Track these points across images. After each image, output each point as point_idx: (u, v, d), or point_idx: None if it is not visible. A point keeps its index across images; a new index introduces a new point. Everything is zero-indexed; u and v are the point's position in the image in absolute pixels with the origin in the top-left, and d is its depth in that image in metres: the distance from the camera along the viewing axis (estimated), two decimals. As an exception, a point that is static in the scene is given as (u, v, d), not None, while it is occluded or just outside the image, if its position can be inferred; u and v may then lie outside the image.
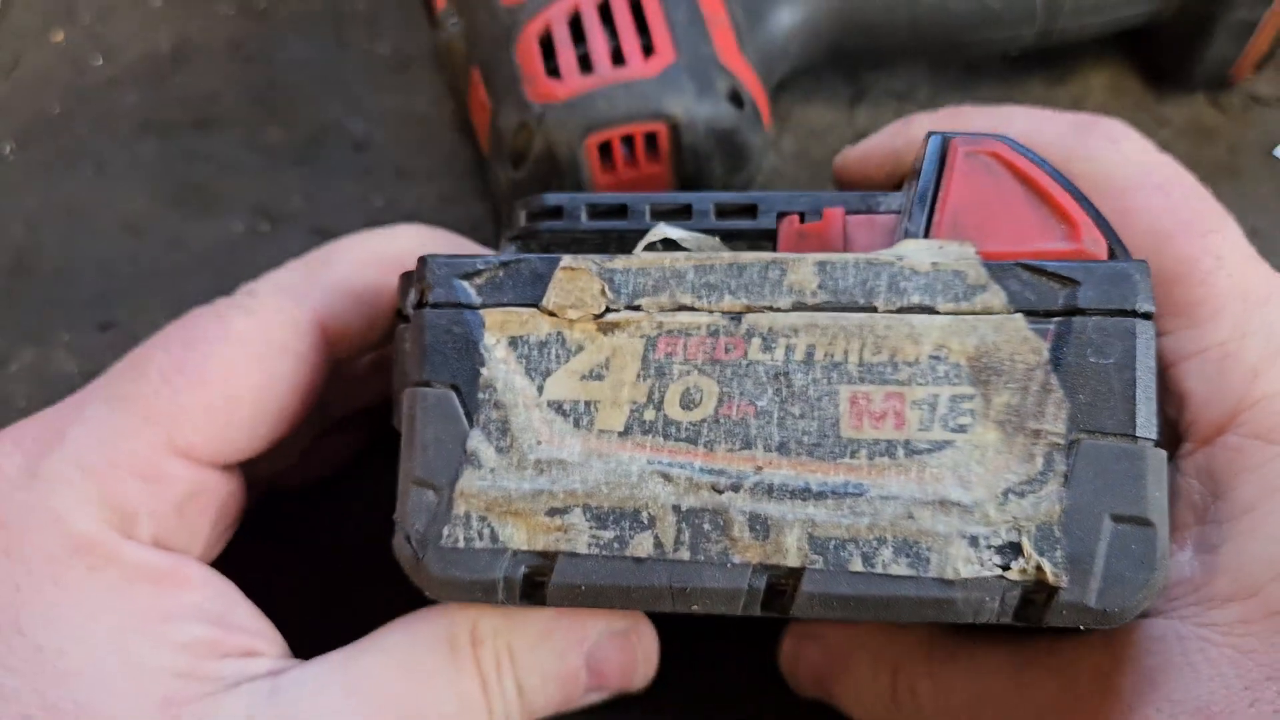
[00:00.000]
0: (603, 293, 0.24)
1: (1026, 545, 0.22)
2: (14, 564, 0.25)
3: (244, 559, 0.30)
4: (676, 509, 0.23)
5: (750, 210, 0.28)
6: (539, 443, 0.23)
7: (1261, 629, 0.22)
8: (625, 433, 0.23)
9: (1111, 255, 0.24)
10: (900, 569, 0.22)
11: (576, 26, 0.36)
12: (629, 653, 0.29)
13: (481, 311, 0.24)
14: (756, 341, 0.23)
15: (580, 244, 0.29)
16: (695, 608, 0.23)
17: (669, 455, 0.23)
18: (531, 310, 0.24)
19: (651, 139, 0.35)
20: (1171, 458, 0.26)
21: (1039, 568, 0.22)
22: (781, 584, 0.23)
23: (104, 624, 0.25)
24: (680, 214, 0.28)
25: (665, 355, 0.24)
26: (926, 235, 0.25)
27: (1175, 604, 0.24)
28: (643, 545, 0.23)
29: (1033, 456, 0.22)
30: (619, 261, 0.24)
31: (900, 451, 0.23)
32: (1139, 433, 0.22)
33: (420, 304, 0.25)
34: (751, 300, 0.24)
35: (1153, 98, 0.42)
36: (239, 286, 0.31)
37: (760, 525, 0.23)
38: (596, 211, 0.29)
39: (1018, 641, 0.26)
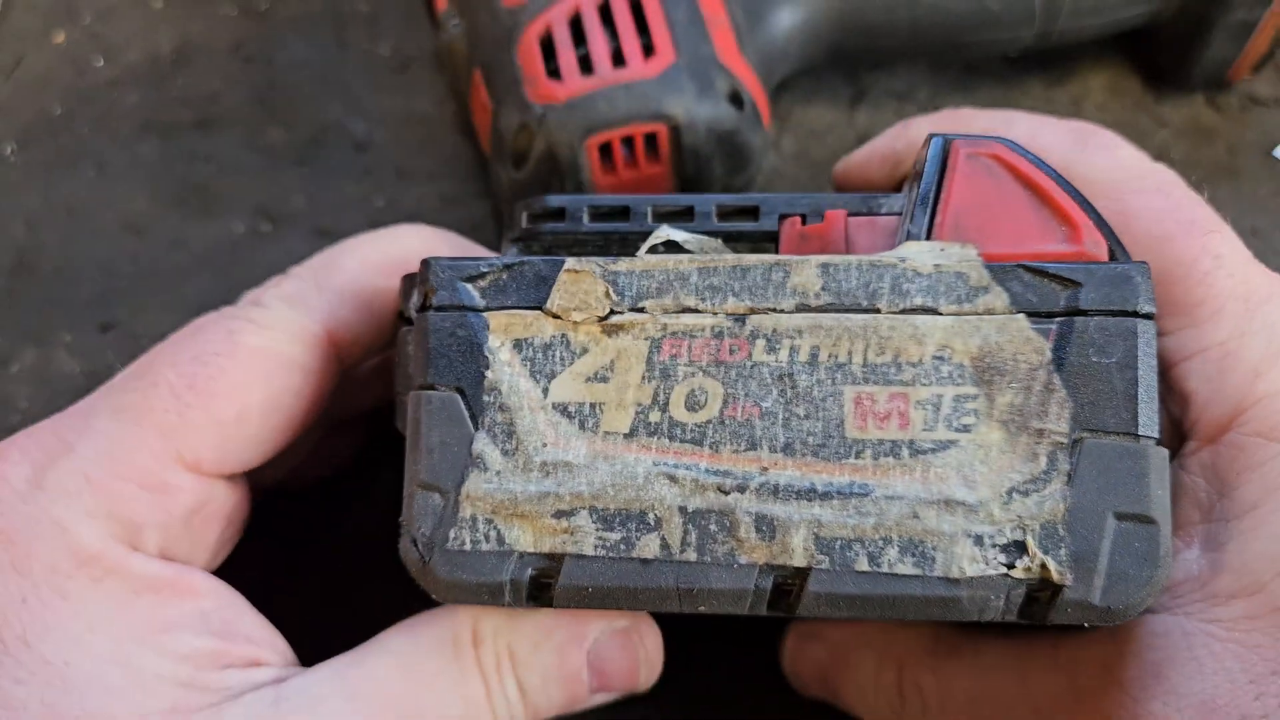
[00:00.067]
0: (607, 295, 0.24)
1: (1031, 544, 0.22)
2: (21, 577, 0.25)
3: (244, 560, 0.30)
4: (683, 510, 0.23)
5: (752, 212, 0.28)
6: (545, 445, 0.24)
7: (1266, 624, 0.22)
8: (631, 434, 0.23)
9: (1112, 257, 0.24)
10: (906, 568, 0.22)
11: (577, 27, 0.36)
12: (631, 652, 0.29)
13: (485, 314, 0.24)
14: (761, 343, 0.23)
15: (582, 246, 0.29)
16: (702, 608, 0.23)
17: (675, 457, 0.23)
18: (536, 313, 0.24)
19: (652, 140, 0.35)
20: (1175, 456, 0.26)
21: (1044, 566, 0.22)
22: (788, 584, 0.23)
23: (108, 635, 0.25)
24: (682, 216, 0.29)
25: (670, 357, 0.24)
26: (928, 237, 0.25)
27: (1180, 600, 0.24)
28: (649, 546, 0.23)
29: (1036, 456, 0.22)
30: (623, 264, 0.24)
31: (905, 451, 0.23)
32: (1141, 431, 0.22)
33: (424, 307, 0.25)
34: (755, 302, 0.24)
35: (1151, 98, 0.42)
36: (241, 288, 0.31)
37: (766, 526, 0.23)
38: (598, 213, 0.29)
39: (1022, 638, 0.26)
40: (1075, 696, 0.25)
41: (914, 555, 0.22)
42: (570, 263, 0.24)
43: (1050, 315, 0.23)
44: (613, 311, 0.24)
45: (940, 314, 0.23)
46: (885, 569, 0.22)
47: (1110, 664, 0.24)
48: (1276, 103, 0.42)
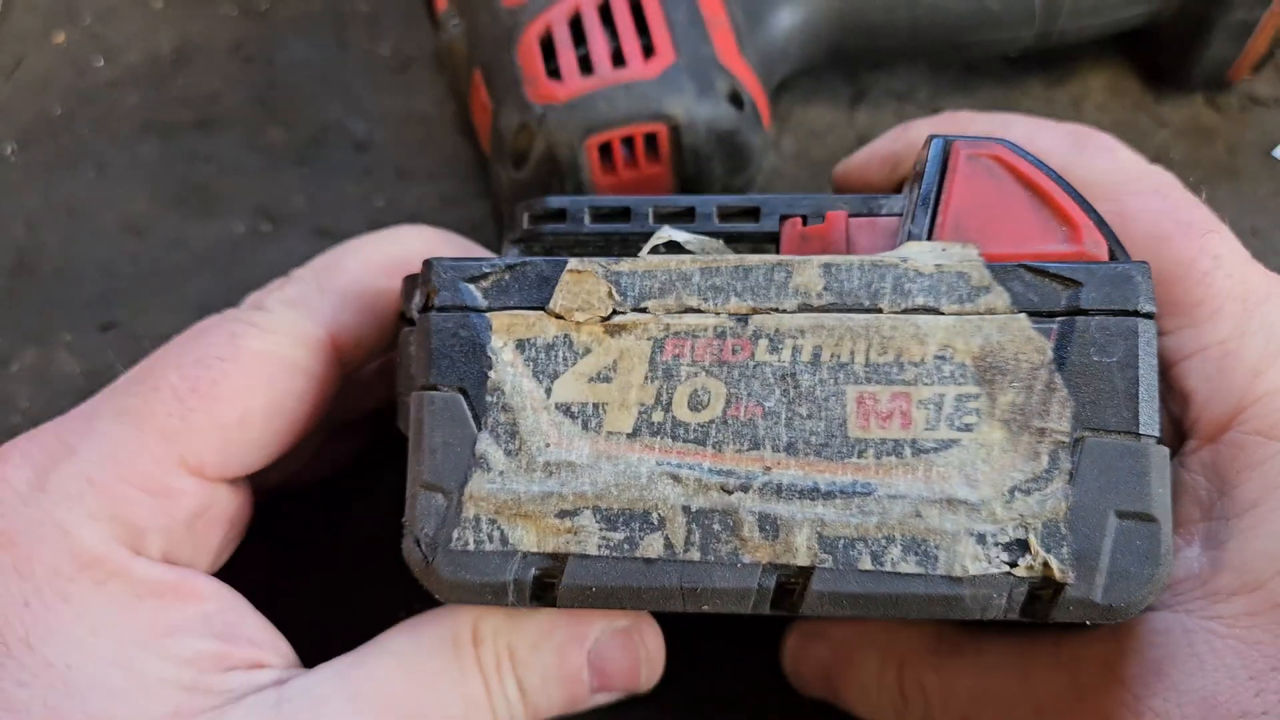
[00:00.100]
0: (610, 295, 0.24)
1: (1033, 542, 0.22)
2: (23, 580, 0.25)
3: (246, 561, 0.30)
4: (686, 510, 0.23)
5: (753, 213, 0.28)
6: (548, 445, 0.24)
7: (1266, 621, 0.23)
8: (634, 434, 0.23)
9: (1112, 257, 0.25)
10: (909, 567, 0.22)
11: (577, 28, 0.36)
12: (632, 652, 0.29)
13: (488, 314, 0.24)
14: (763, 343, 0.24)
15: (583, 247, 0.29)
16: (705, 608, 0.23)
17: (678, 456, 0.23)
18: (538, 313, 0.24)
19: (652, 140, 0.35)
20: (1176, 455, 0.26)
21: (1046, 564, 0.22)
22: (791, 583, 0.23)
23: (111, 639, 0.25)
24: (683, 217, 0.29)
25: (673, 357, 0.24)
26: (929, 237, 0.25)
27: (1181, 598, 0.24)
28: (653, 546, 0.23)
29: (1038, 454, 0.22)
30: (625, 264, 0.24)
31: (907, 451, 0.23)
32: (1142, 430, 0.22)
33: (426, 307, 0.25)
34: (758, 302, 0.24)
35: (1151, 98, 0.43)
36: (241, 288, 0.31)
37: (770, 525, 0.23)
38: (600, 214, 0.29)
39: (1023, 636, 0.27)
40: (1077, 694, 0.25)
41: (917, 554, 0.22)
42: (573, 263, 0.24)
43: (1051, 315, 0.23)
44: (615, 312, 0.24)
45: (942, 314, 0.23)
46: (888, 568, 0.22)
47: (1112, 661, 0.24)
48: (1276, 103, 0.42)
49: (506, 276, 0.25)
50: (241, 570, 0.29)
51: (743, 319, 0.24)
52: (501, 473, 0.24)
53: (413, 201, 0.43)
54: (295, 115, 0.44)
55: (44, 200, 0.43)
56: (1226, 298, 0.26)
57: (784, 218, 0.28)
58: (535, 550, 0.23)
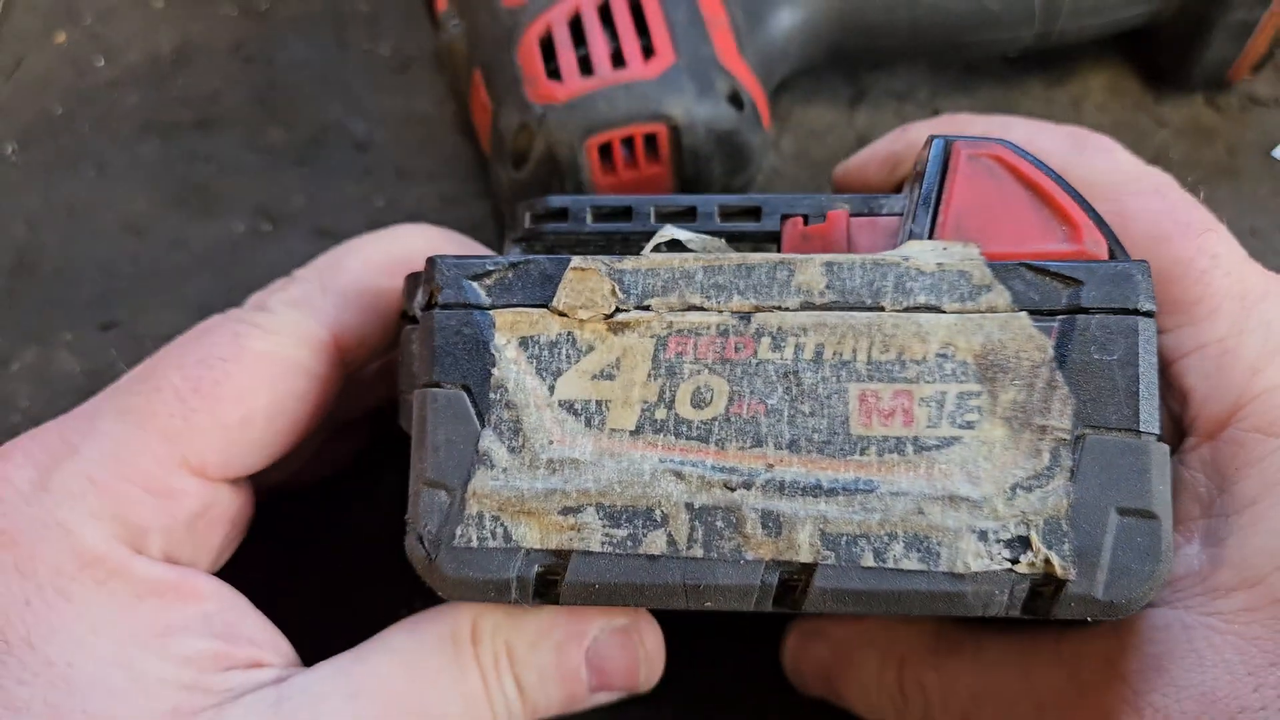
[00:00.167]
0: (613, 293, 0.24)
1: (1035, 539, 0.22)
2: (24, 578, 0.25)
3: (245, 560, 0.30)
4: (689, 507, 0.23)
5: (754, 212, 0.28)
6: (551, 442, 0.24)
7: (1265, 617, 0.23)
8: (637, 432, 0.23)
9: (1112, 256, 0.25)
10: (911, 564, 0.22)
11: (577, 28, 0.36)
12: (631, 650, 0.29)
13: (491, 312, 0.24)
14: (766, 341, 0.24)
15: (585, 246, 0.29)
16: (708, 605, 0.23)
17: (681, 454, 0.23)
18: (542, 311, 0.24)
19: (651, 140, 0.35)
20: (1175, 452, 0.26)
21: (1047, 561, 0.22)
22: (794, 580, 0.23)
23: (111, 638, 0.25)
24: (685, 216, 0.29)
25: (675, 355, 0.24)
26: (931, 236, 0.25)
27: (1181, 594, 0.24)
28: (656, 543, 0.23)
29: (1039, 452, 0.22)
30: (628, 262, 0.24)
31: (909, 448, 0.23)
32: (1142, 427, 0.22)
33: (429, 305, 0.25)
34: (760, 300, 0.24)
35: (1151, 98, 0.43)
36: (241, 288, 0.31)
37: (772, 522, 0.23)
38: (601, 214, 0.29)
39: (1024, 633, 0.27)
40: (1078, 690, 0.25)
41: (919, 551, 0.22)
42: (576, 261, 0.24)
43: (1052, 313, 0.23)
44: (618, 309, 0.24)
45: (943, 312, 0.23)
46: (891, 564, 0.22)
47: (1112, 658, 0.24)
48: (1276, 103, 0.42)
49: (510, 274, 0.25)
50: (242, 570, 0.29)
51: (745, 317, 0.24)
52: (505, 470, 0.24)
53: (413, 201, 0.43)
54: (295, 115, 0.44)
55: (44, 200, 0.43)
56: (1224, 296, 0.26)
57: (785, 217, 0.28)
58: (538, 547, 0.23)
